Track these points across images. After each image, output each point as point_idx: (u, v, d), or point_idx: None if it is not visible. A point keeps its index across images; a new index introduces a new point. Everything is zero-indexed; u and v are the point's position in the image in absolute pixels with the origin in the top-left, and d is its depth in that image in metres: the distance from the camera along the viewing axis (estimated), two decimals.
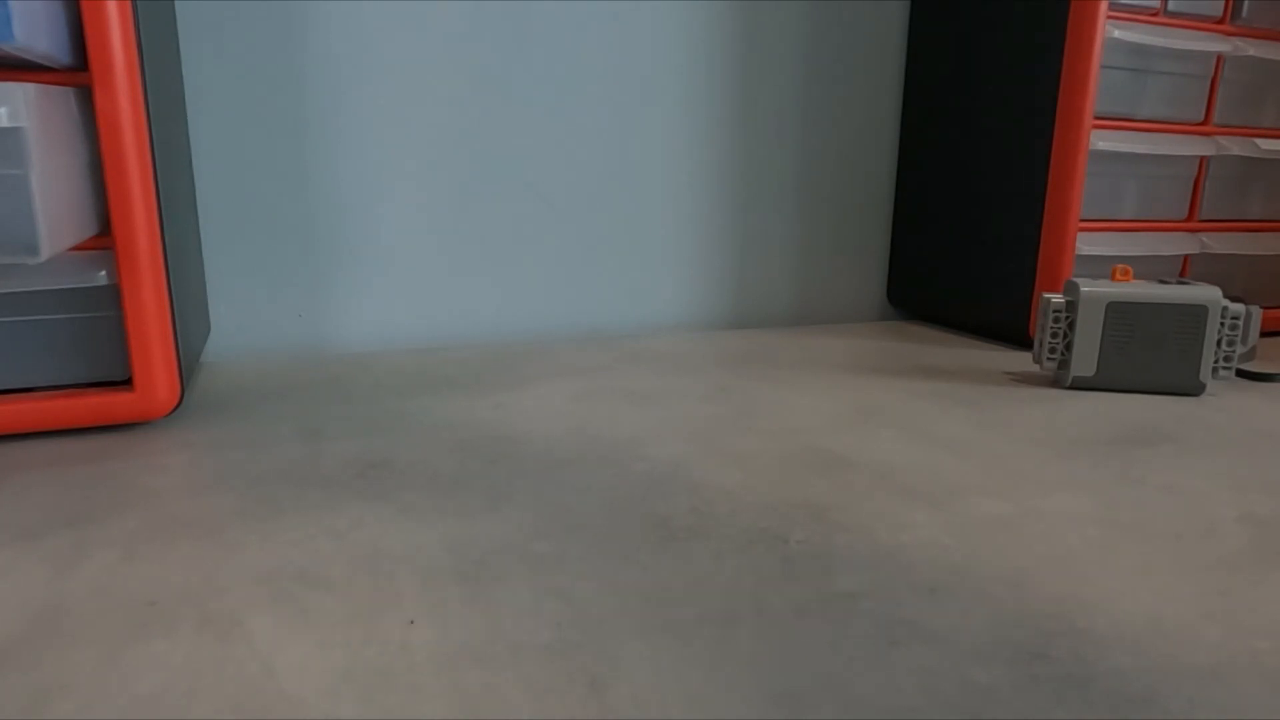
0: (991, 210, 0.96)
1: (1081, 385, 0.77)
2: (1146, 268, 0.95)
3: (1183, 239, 0.96)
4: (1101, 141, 0.87)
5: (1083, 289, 0.75)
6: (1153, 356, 0.75)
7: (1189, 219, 0.97)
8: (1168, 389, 0.76)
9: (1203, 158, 0.95)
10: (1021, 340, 0.95)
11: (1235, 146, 0.94)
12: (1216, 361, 0.76)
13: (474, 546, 0.44)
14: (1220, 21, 0.92)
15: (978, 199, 0.98)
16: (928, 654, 0.35)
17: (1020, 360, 0.90)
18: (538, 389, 0.75)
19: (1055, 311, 0.77)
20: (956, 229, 1.01)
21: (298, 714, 0.31)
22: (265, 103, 0.85)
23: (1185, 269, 0.99)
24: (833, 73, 1.06)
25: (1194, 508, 0.51)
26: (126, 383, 0.61)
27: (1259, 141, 0.96)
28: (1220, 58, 0.93)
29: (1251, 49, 0.92)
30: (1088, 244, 0.90)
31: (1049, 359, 0.78)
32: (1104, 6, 0.83)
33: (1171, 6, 0.89)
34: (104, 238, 0.58)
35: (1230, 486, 0.54)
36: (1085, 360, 0.76)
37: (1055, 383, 0.80)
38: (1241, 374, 0.82)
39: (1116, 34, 0.85)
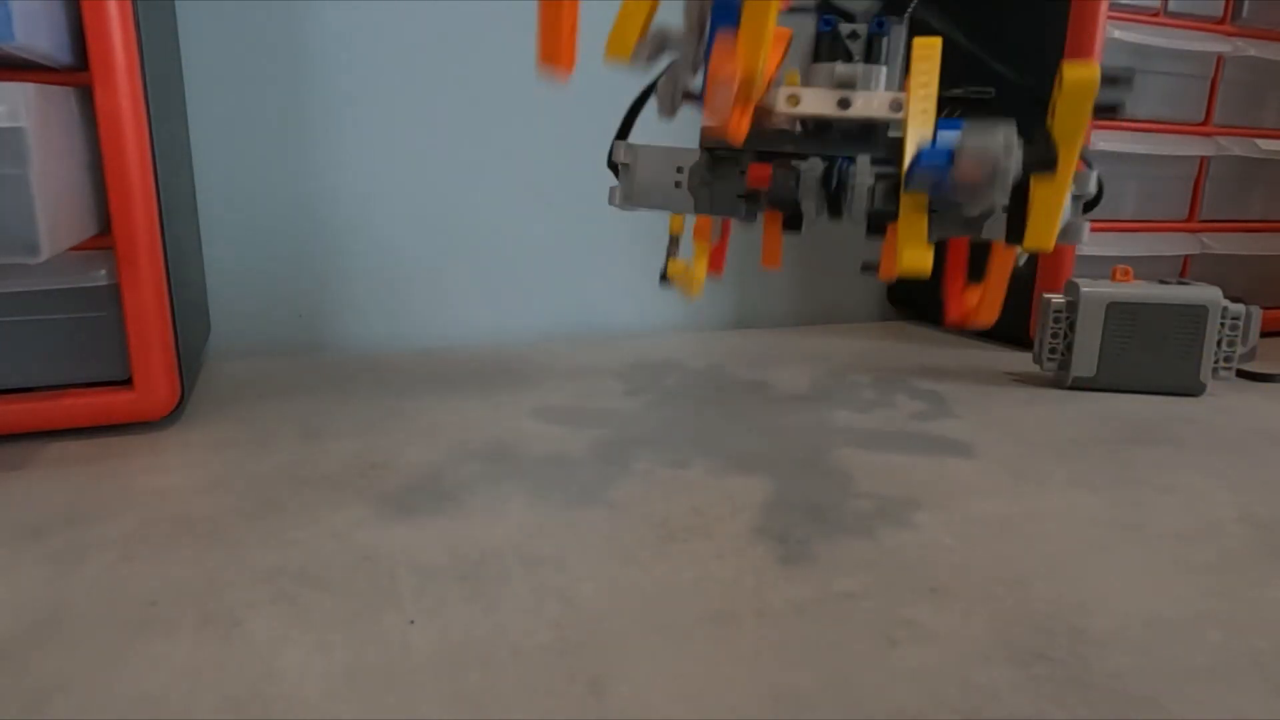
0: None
1: (1081, 385, 0.77)
2: (1146, 268, 0.95)
3: (1183, 239, 0.96)
4: (1101, 142, 0.87)
5: (1083, 289, 0.75)
6: (1153, 356, 0.75)
7: (1189, 219, 0.97)
8: (1168, 389, 0.76)
9: (1203, 158, 0.95)
10: (1021, 340, 0.95)
11: (1235, 147, 0.94)
12: (1216, 361, 0.76)
13: (474, 546, 0.44)
14: (1220, 22, 0.92)
15: None
16: (928, 654, 0.35)
17: (1020, 360, 0.90)
18: (538, 389, 0.75)
19: (1055, 312, 0.77)
20: None
21: (298, 714, 0.31)
22: (265, 103, 0.85)
23: (1185, 269, 0.99)
24: None
25: (1194, 508, 0.51)
26: (126, 383, 0.61)
27: (1259, 142, 0.96)
28: (1220, 58, 0.93)
29: (1251, 49, 0.92)
30: (1088, 244, 0.90)
31: (1049, 359, 0.78)
32: (1104, 6, 0.82)
33: (1171, 7, 0.89)
34: (104, 238, 0.58)
35: (1230, 486, 0.54)
36: (1085, 360, 0.76)
37: (1055, 383, 0.80)
38: (1241, 374, 0.82)
39: (1116, 34, 0.85)
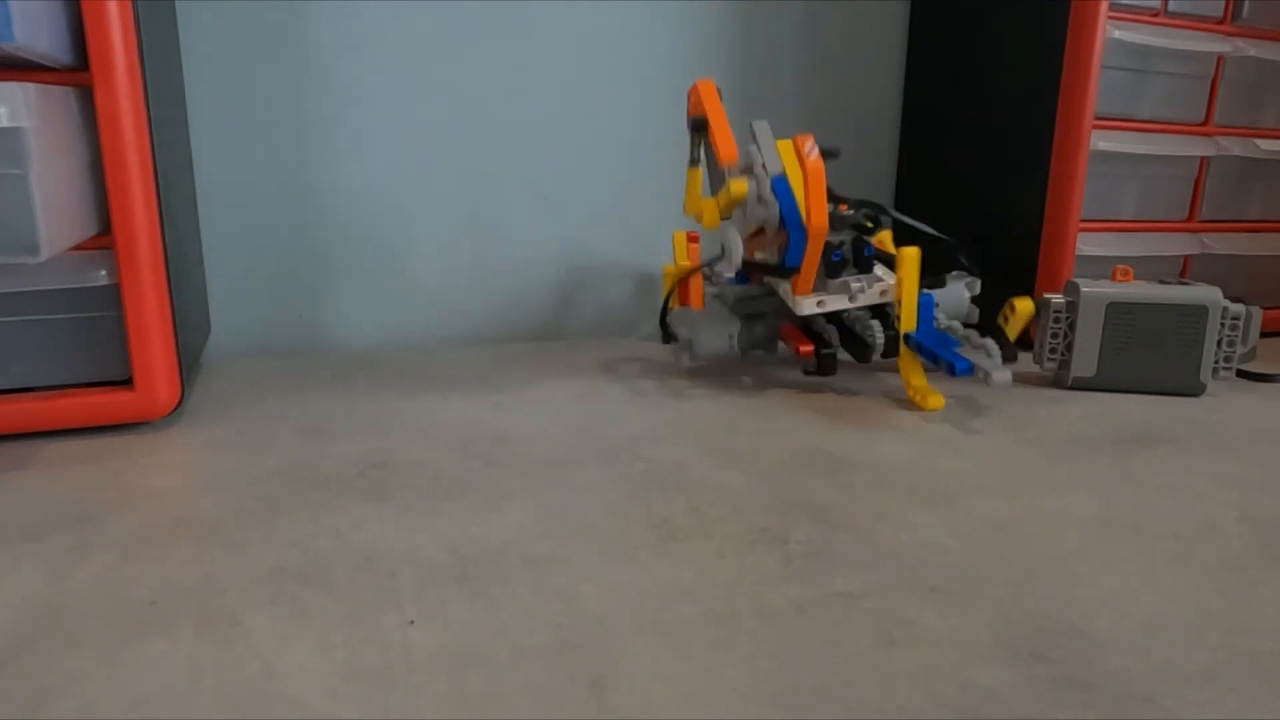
0: (992, 211, 0.96)
1: (1081, 385, 0.77)
2: (1146, 268, 0.95)
3: (1183, 239, 0.96)
4: (1102, 142, 0.87)
5: (1083, 289, 0.75)
6: (1153, 357, 0.75)
7: (1189, 219, 0.97)
8: (1168, 389, 0.76)
9: (1203, 158, 0.95)
10: (1021, 340, 0.95)
11: (1235, 147, 0.94)
12: (1216, 362, 0.76)
13: (474, 546, 0.44)
14: (1220, 22, 0.92)
15: (978, 200, 0.97)
16: (928, 654, 0.35)
17: (1020, 360, 0.90)
18: (538, 389, 0.75)
19: (1055, 312, 0.77)
20: (957, 230, 1.01)
21: (298, 714, 0.31)
22: (265, 103, 0.85)
23: (1185, 269, 0.99)
24: (832, 73, 1.06)
25: (1194, 508, 0.51)
26: (127, 383, 0.61)
27: (1259, 142, 0.96)
28: (1220, 58, 0.93)
29: (1251, 49, 0.92)
30: (1088, 244, 0.90)
31: (1049, 359, 0.78)
32: (1104, 7, 0.82)
33: (1172, 7, 0.88)
34: (104, 238, 0.58)
35: (1230, 486, 0.54)
36: (1085, 360, 0.76)
37: (1055, 383, 0.80)
38: (1241, 374, 0.82)
39: (1117, 34, 0.85)
